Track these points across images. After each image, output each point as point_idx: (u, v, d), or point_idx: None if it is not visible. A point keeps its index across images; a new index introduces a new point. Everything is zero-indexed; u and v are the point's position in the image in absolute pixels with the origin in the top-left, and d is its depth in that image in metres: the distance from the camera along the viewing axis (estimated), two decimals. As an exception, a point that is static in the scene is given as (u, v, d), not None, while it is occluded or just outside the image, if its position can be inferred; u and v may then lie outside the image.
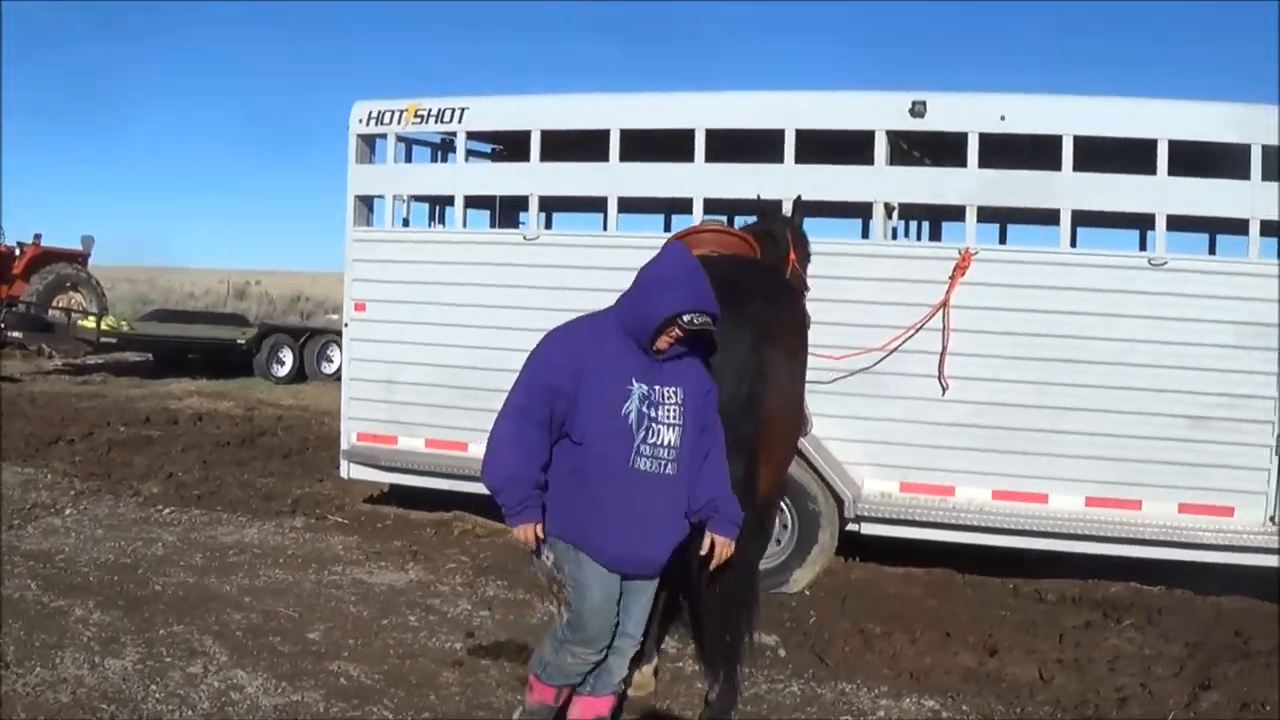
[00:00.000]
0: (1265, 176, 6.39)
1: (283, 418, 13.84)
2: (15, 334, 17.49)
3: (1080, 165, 6.58)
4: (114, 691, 4.94)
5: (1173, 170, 6.47)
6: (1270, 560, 6.47)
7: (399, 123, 8.12)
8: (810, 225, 7.75)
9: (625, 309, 3.97)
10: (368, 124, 8.20)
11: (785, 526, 6.92)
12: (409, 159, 8.54)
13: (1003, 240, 8.70)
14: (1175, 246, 6.87)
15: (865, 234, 7.60)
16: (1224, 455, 6.51)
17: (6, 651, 5.28)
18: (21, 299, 19.47)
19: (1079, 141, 6.54)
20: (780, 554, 6.94)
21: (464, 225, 8.22)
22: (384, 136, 8.19)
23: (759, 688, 5.37)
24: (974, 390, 6.77)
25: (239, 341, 17.91)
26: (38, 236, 21.28)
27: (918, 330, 6.74)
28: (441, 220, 9.07)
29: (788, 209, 6.68)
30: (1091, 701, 5.36)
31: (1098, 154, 6.61)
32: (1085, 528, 6.64)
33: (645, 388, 3.92)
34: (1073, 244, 7.01)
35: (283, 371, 17.91)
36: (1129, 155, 6.60)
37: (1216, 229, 7.69)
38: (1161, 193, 6.52)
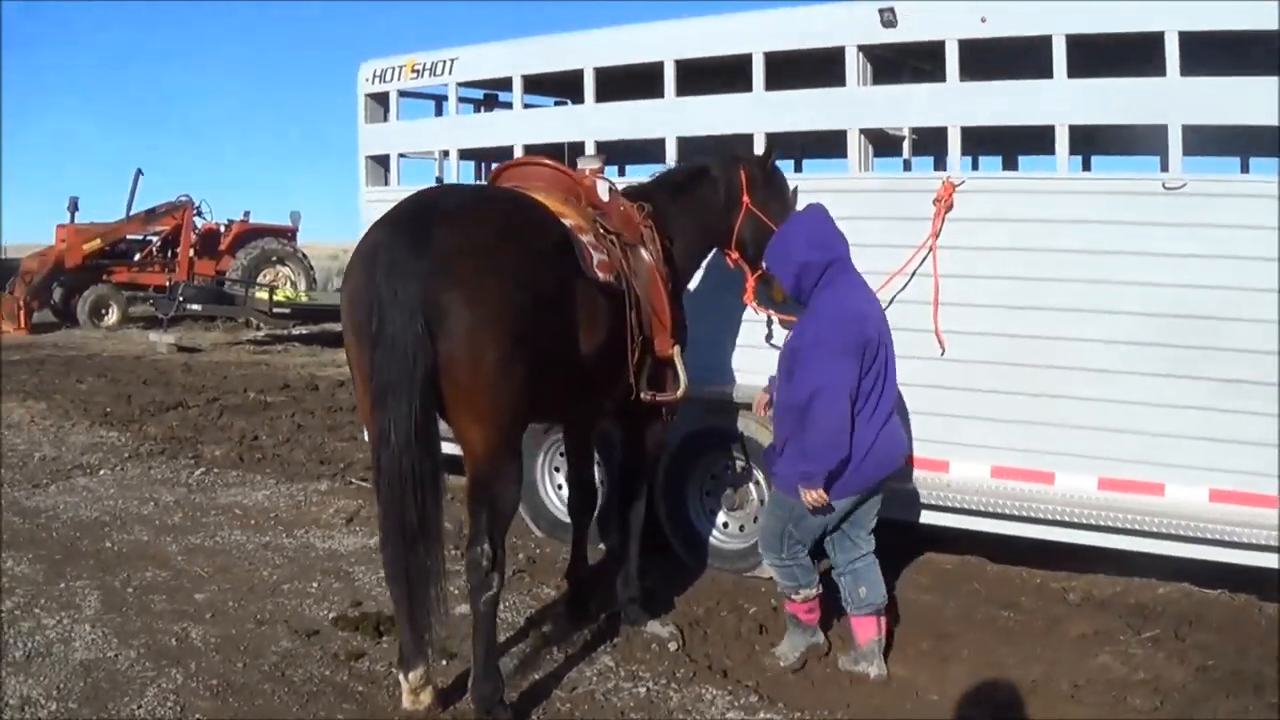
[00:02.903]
0: None
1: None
2: (194, 306, 19.34)
3: (1078, 70, 5.68)
4: None
5: (1186, 69, 5.39)
6: (1315, 569, 5.31)
7: (399, 79, 8.29)
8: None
9: None
10: (373, 82, 8.29)
11: (760, 501, 6.44)
12: (439, 114, 8.68)
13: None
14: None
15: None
16: (1264, 429, 5.33)
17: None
18: (227, 274, 21.59)
19: (1073, 41, 5.65)
20: (752, 534, 6.56)
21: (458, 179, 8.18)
22: (388, 94, 8.24)
23: (603, 684, 5.02)
24: (969, 347, 5.99)
25: None
26: (246, 214, 23.45)
27: (895, 277, 6.06)
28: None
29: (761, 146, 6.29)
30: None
31: (1096, 55, 5.69)
32: (1096, 516, 5.64)
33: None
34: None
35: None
36: (1132, 55, 5.60)
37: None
38: (1174, 98, 5.46)
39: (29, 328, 20.37)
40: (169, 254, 22.83)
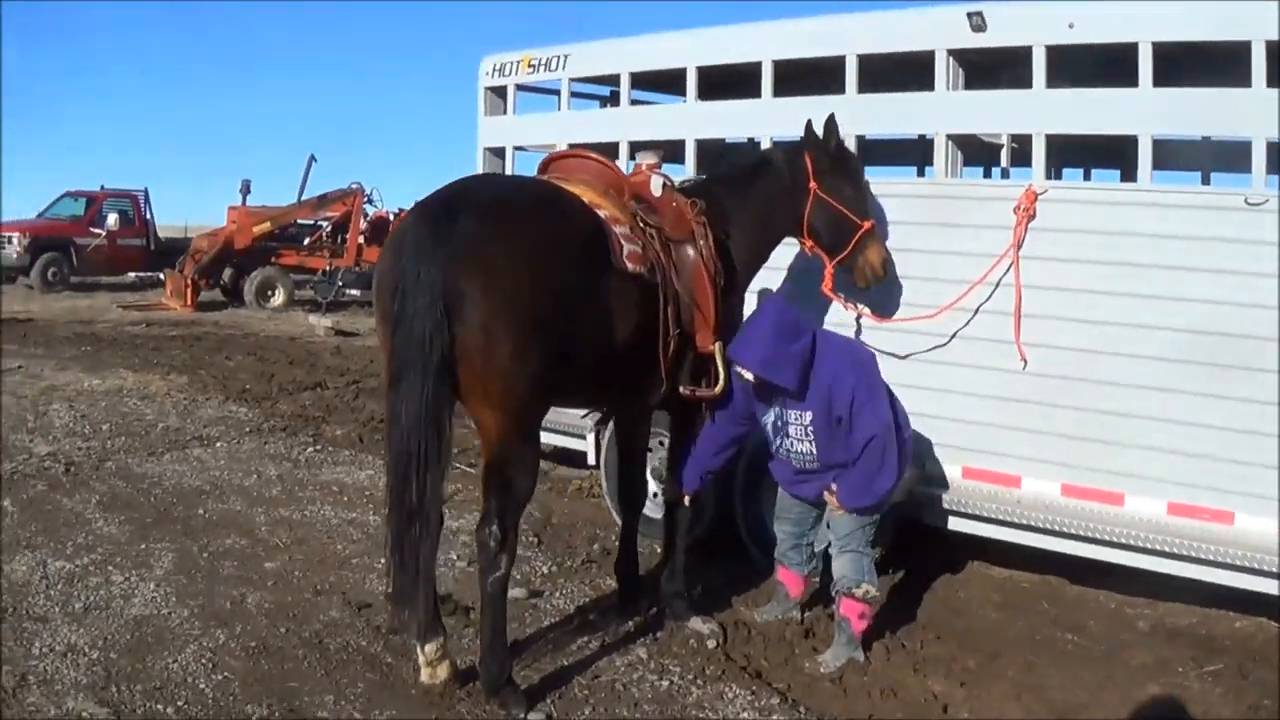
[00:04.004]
0: None
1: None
2: (353, 291, 20.55)
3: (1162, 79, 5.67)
4: (19, 586, 5.98)
5: (1272, 81, 5.31)
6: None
7: (516, 73, 8.84)
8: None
9: None
10: (493, 76, 8.69)
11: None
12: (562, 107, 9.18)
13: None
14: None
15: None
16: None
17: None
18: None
19: (1159, 50, 5.64)
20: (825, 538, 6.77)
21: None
22: (506, 88, 8.68)
23: (629, 675, 5.29)
24: (1044, 361, 6.06)
25: None
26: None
27: (975, 286, 6.17)
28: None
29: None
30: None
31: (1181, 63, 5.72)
32: (1161, 541, 5.67)
33: (776, 410, 5.47)
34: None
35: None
36: (1225, 63, 5.58)
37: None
38: (1257, 110, 5.40)
39: (194, 305, 21.80)
40: (339, 240, 24.07)
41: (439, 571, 6.22)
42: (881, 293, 6.39)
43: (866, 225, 6.04)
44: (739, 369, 5.40)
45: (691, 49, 7.58)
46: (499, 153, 8.96)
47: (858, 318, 6.62)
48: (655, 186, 5.65)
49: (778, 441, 5.57)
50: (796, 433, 5.46)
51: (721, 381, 5.64)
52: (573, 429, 8.00)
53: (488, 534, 4.71)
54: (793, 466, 5.65)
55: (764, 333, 5.30)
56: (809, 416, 5.39)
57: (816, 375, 5.34)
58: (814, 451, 5.48)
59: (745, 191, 6.02)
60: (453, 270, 4.41)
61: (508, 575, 4.83)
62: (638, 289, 5.13)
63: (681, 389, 5.60)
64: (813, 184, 5.96)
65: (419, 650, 4.92)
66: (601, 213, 5.14)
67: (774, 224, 6.13)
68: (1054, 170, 8.55)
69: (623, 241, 5.08)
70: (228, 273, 23.41)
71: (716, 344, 5.59)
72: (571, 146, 8.08)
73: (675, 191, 5.75)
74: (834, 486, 5.52)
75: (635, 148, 8.02)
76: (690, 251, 5.53)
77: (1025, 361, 6.16)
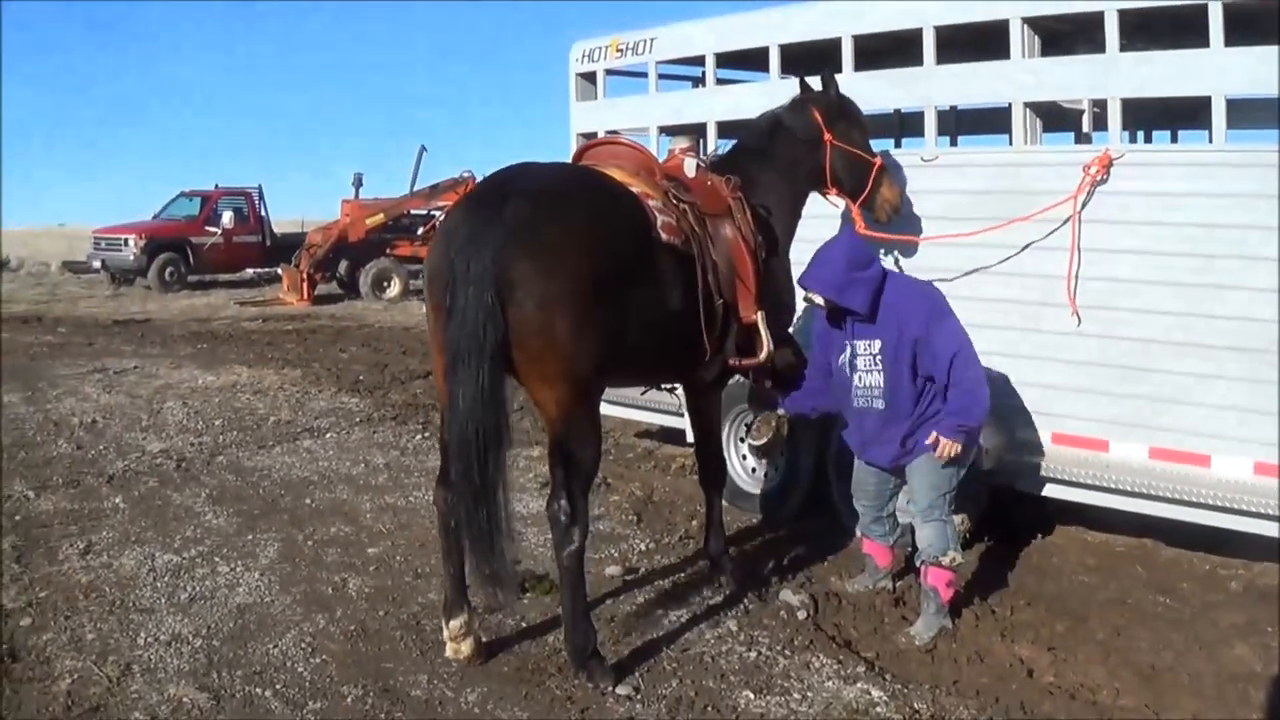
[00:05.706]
0: None
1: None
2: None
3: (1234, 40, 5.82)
4: (127, 579, 6.40)
5: None
6: None
7: (605, 58, 9.30)
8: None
9: None
10: (583, 62, 9.13)
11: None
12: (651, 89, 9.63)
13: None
14: None
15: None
16: None
17: (101, 540, 7.05)
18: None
19: (1230, 11, 5.82)
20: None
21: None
22: (596, 73, 9.12)
23: (718, 647, 5.57)
24: (1128, 325, 6.34)
25: None
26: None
27: (1013, 223, 6.54)
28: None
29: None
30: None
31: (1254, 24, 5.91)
32: (1248, 502, 5.87)
33: (848, 345, 5.78)
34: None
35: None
36: None
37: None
38: None
39: (311, 299, 22.82)
40: (452, 228, 25.06)
41: (536, 551, 6.80)
42: (904, 222, 6.87)
43: (878, 163, 6.54)
44: (810, 295, 5.82)
45: (773, 27, 7.94)
46: (591, 138, 9.40)
47: (896, 261, 7.05)
48: (689, 168, 6.08)
49: (852, 380, 5.82)
50: (865, 364, 5.76)
51: (766, 350, 6.01)
52: (671, 407, 8.35)
53: (558, 509, 5.00)
54: (864, 425, 5.92)
55: (835, 259, 5.66)
56: (878, 345, 5.70)
57: (886, 301, 5.67)
58: (882, 384, 5.73)
59: (768, 158, 6.41)
60: (505, 255, 4.67)
61: (582, 549, 5.11)
62: (676, 260, 5.45)
63: (730, 360, 6.02)
64: (827, 135, 6.41)
65: (444, 625, 5.32)
66: (634, 189, 5.49)
67: (800, 181, 6.56)
68: (1145, 135, 8.82)
69: (656, 214, 5.43)
70: (343, 265, 24.39)
71: (759, 314, 5.96)
72: (609, 133, 8.63)
73: (708, 170, 6.15)
74: (933, 434, 5.71)
75: (721, 128, 8.51)
76: (727, 225, 5.90)
77: (1079, 319, 6.52)
